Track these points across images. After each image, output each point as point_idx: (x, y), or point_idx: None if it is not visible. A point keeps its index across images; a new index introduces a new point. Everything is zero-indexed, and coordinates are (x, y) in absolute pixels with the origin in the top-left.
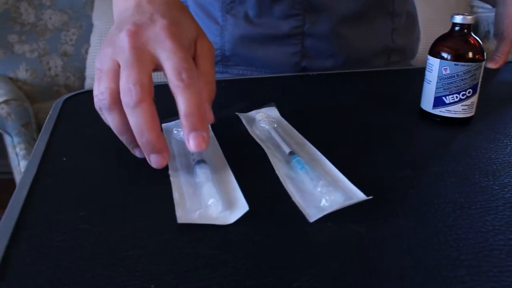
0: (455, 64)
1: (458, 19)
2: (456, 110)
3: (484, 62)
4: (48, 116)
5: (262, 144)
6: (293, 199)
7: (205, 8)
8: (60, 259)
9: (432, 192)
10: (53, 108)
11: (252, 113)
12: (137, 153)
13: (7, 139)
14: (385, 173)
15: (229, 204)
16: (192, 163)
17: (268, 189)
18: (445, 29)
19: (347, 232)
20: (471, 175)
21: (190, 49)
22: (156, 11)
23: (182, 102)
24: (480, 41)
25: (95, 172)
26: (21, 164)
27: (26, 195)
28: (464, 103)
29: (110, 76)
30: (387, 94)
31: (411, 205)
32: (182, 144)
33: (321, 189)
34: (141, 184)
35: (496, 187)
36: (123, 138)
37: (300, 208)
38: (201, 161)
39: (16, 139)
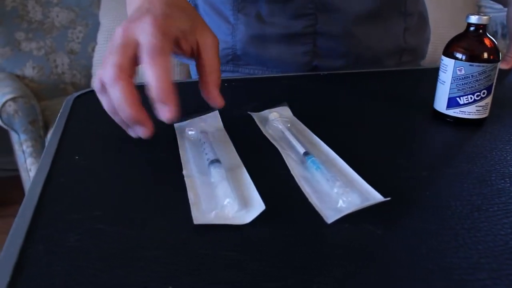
0: (470, 65)
1: (473, 19)
2: (470, 111)
3: (499, 63)
4: (59, 114)
5: (275, 144)
6: (310, 200)
7: (216, 7)
8: (76, 260)
9: (448, 193)
10: (64, 106)
11: (265, 112)
12: (131, 133)
13: (14, 136)
14: (401, 174)
15: (245, 203)
16: (206, 163)
17: (284, 189)
18: (453, 29)
19: (364, 234)
20: (488, 176)
21: (185, 40)
22: (151, 8)
23: (148, 76)
24: (495, 41)
25: (108, 171)
26: (27, 161)
27: (40, 194)
28: (479, 104)
29: (102, 65)
30: (399, 94)
31: (428, 206)
32: (196, 144)
33: (338, 190)
34: (155, 183)
35: None
36: (115, 119)
37: (317, 209)
38: (215, 161)
39: (23, 136)
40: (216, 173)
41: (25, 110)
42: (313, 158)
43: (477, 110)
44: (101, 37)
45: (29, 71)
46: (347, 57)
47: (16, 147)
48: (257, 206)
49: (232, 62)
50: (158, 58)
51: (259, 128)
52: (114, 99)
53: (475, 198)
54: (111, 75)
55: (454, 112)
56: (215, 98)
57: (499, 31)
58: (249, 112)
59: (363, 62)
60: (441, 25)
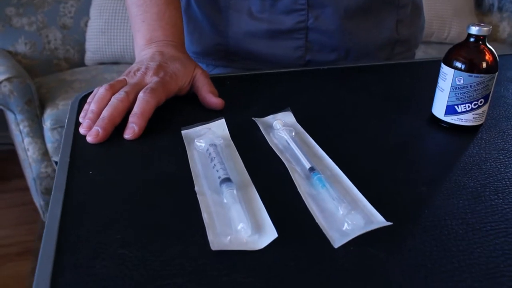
0: (469, 76)
1: (473, 30)
2: (467, 118)
3: (497, 73)
4: (66, 120)
5: (281, 157)
6: (316, 220)
7: (208, 4)
8: None
9: (445, 211)
10: (70, 110)
11: (269, 118)
12: (84, 131)
13: (10, 116)
14: (400, 189)
15: (257, 227)
16: (217, 180)
17: (292, 209)
18: (449, 5)
19: (368, 257)
20: (482, 191)
21: (183, 88)
22: (163, 62)
23: (135, 105)
24: (494, 51)
25: (122, 186)
26: (25, 141)
27: (60, 215)
28: (476, 112)
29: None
30: (396, 92)
31: (426, 226)
32: (205, 156)
33: (343, 212)
34: (170, 200)
35: (506, 206)
36: (88, 115)
37: (324, 230)
38: (226, 180)
39: (19, 117)
40: (228, 195)
41: (20, 90)
42: (319, 175)
43: (473, 118)
44: (94, 11)
45: (21, 47)
46: (339, 51)
47: (13, 126)
48: (269, 231)
49: (225, 58)
50: (149, 96)
51: (264, 136)
52: (114, 100)
53: (470, 216)
54: (121, 93)
55: (451, 119)
56: (214, 103)
57: (496, 4)
58: (253, 118)
59: (355, 55)
60: (438, 1)
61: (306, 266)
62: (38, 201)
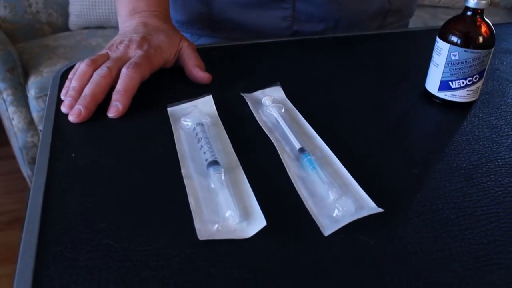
0: (465, 51)
1: (471, 3)
2: (461, 95)
3: (493, 48)
4: (47, 97)
5: (270, 136)
6: (306, 205)
7: None
8: (89, 282)
9: (437, 194)
10: (51, 87)
11: (258, 94)
12: (66, 110)
13: None
14: (392, 171)
15: (245, 213)
16: (204, 163)
17: (281, 193)
18: None
19: (358, 245)
20: (475, 173)
21: (169, 61)
22: (147, 33)
23: (118, 82)
24: (491, 26)
25: (107, 170)
26: (9, 110)
27: (42, 203)
28: (470, 88)
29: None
30: (388, 63)
31: (418, 212)
32: (191, 136)
33: (333, 197)
34: (155, 184)
35: (498, 189)
36: (71, 92)
37: (313, 216)
38: (214, 163)
39: (2, 85)
40: (216, 179)
41: (1, 57)
42: (309, 157)
43: (467, 94)
44: None
45: (0, 10)
46: (328, 21)
47: None
48: (258, 219)
49: (210, 28)
50: (132, 71)
51: (253, 113)
52: (96, 77)
53: (462, 200)
54: (104, 68)
55: (445, 95)
56: (200, 78)
57: None
58: (241, 94)
59: (345, 26)
60: None
61: (294, 255)
62: (25, 170)
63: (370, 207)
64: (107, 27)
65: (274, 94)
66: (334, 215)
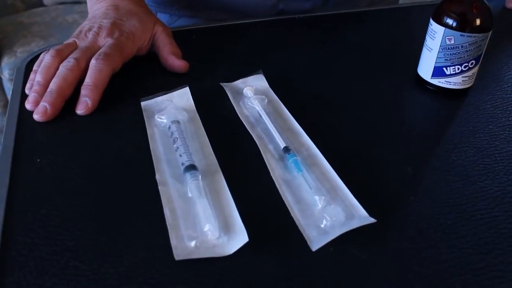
0: (461, 35)
1: None
2: (456, 81)
3: (491, 32)
4: (11, 91)
5: (252, 133)
6: (291, 213)
7: None
8: None
9: (432, 197)
10: (15, 78)
11: (239, 83)
12: (30, 107)
13: None
14: (384, 170)
15: (226, 226)
16: (181, 167)
17: (264, 199)
18: None
19: (349, 260)
20: (471, 171)
21: (142, 48)
22: (118, 19)
23: (88, 74)
24: (489, 7)
25: (75, 177)
26: None
27: (4, 216)
28: (465, 74)
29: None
30: (378, 45)
31: (413, 220)
32: (166, 135)
33: (321, 205)
34: (129, 192)
35: (496, 189)
36: (35, 87)
37: (300, 227)
38: (191, 167)
39: None
40: (193, 187)
41: None
42: (294, 157)
43: (463, 81)
44: None
45: None
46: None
47: None
48: (239, 233)
49: (189, 7)
50: (102, 63)
51: (233, 106)
52: (62, 69)
53: (458, 203)
54: (71, 60)
55: (439, 82)
56: (177, 66)
57: None
58: (221, 84)
59: (333, 3)
60: None
61: (281, 274)
62: None
63: (361, 216)
64: (84, 2)
65: (256, 84)
66: (323, 225)
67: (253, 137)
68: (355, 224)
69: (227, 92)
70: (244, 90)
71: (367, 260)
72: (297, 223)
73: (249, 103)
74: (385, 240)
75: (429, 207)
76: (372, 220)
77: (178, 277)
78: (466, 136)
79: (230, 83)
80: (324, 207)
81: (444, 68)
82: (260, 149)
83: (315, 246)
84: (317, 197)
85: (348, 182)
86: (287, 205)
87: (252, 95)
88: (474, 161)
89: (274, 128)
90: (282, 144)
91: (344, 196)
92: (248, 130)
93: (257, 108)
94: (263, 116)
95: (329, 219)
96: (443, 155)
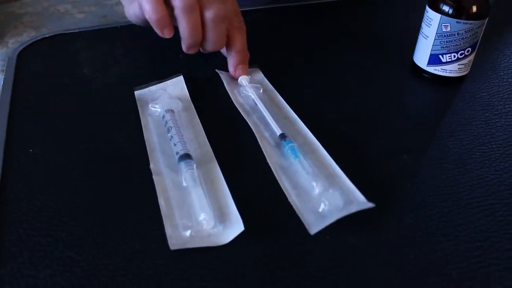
0: (457, 22)
1: None
2: (452, 69)
3: (487, 19)
4: (2, 82)
5: (248, 121)
6: (289, 199)
7: None
8: None
9: (429, 185)
10: (7, 68)
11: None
12: (159, 31)
13: None
14: (381, 158)
15: (221, 215)
16: (175, 156)
17: (261, 185)
18: None
19: (346, 249)
20: (467, 159)
21: None
22: None
23: (238, 41)
24: None
25: (68, 167)
26: None
27: None
28: (461, 62)
29: None
30: (373, 31)
31: (409, 206)
32: (161, 124)
33: (319, 190)
34: (123, 182)
35: (492, 176)
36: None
37: (298, 212)
38: (185, 156)
39: None
40: (188, 176)
41: None
42: (291, 144)
43: (459, 68)
44: None
45: None
46: None
47: None
48: (235, 222)
49: None
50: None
51: (228, 94)
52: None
53: (455, 191)
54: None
55: (435, 70)
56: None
57: None
58: (216, 70)
59: None
60: None
61: (277, 263)
62: None
63: (360, 201)
64: None
65: (251, 73)
66: (320, 210)
67: (249, 124)
68: (353, 208)
69: (222, 79)
70: (239, 79)
71: (364, 250)
72: (294, 208)
73: (244, 92)
74: (382, 228)
75: (426, 195)
76: (370, 205)
77: (173, 267)
78: (463, 124)
79: (225, 72)
80: (322, 192)
81: (440, 56)
82: (256, 136)
83: (313, 229)
84: (314, 183)
85: (345, 168)
86: (284, 191)
87: (247, 84)
88: (470, 149)
89: (269, 116)
90: (278, 131)
91: (341, 182)
92: (244, 117)
93: (253, 96)
94: (258, 104)
95: (327, 203)
96: (439, 143)
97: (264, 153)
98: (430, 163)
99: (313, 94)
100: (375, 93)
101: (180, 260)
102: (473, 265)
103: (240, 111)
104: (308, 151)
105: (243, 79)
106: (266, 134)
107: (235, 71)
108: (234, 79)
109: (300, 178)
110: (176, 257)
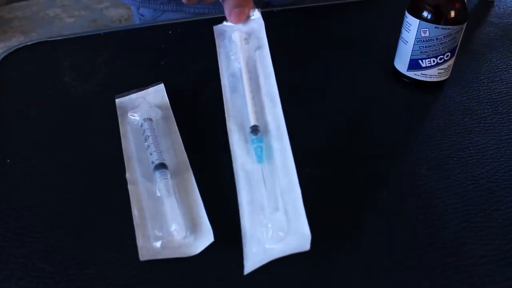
0: (436, 27)
1: None
2: (432, 74)
3: (465, 24)
4: None
5: (228, 98)
6: (241, 219)
7: None
8: None
9: (406, 191)
10: None
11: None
12: None
13: None
14: (358, 164)
15: (193, 225)
16: (151, 166)
17: (229, 194)
18: None
19: (317, 256)
20: (445, 164)
21: None
22: None
23: None
24: None
25: (45, 176)
26: None
27: None
28: (441, 67)
29: None
30: (355, 36)
31: (385, 213)
32: (138, 132)
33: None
34: (99, 192)
35: (469, 182)
36: None
37: (243, 237)
38: (160, 166)
39: None
40: (162, 185)
41: None
42: (259, 144)
43: (438, 73)
44: None
45: None
46: None
47: None
48: (206, 233)
49: (175, 1)
50: None
51: (210, 101)
52: None
53: (431, 197)
54: None
55: (415, 75)
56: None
57: None
58: (213, 27)
59: None
60: None
61: (248, 275)
62: None
63: (303, 234)
64: None
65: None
66: (264, 238)
67: (226, 122)
68: (292, 246)
69: (215, 36)
70: (233, 35)
71: (334, 257)
72: (242, 231)
73: (232, 56)
74: (354, 236)
75: (403, 202)
76: (306, 248)
77: (144, 277)
78: (442, 130)
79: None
80: (271, 213)
81: (420, 61)
82: (228, 131)
83: (246, 270)
84: (268, 200)
85: (318, 175)
86: (239, 207)
87: (239, 44)
88: (448, 154)
89: (249, 98)
90: (252, 122)
91: (294, 201)
92: (226, 94)
93: (239, 65)
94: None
95: (270, 230)
96: (417, 148)
97: (232, 155)
98: (407, 169)
99: (293, 97)
100: (356, 97)
101: (153, 271)
102: (448, 272)
103: (222, 77)
104: (276, 150)
105: (237, 36)
106: (238, 123)
107: (230, 15)
108: (228, 37)
109: (258, 190)
110: (148, 268)
